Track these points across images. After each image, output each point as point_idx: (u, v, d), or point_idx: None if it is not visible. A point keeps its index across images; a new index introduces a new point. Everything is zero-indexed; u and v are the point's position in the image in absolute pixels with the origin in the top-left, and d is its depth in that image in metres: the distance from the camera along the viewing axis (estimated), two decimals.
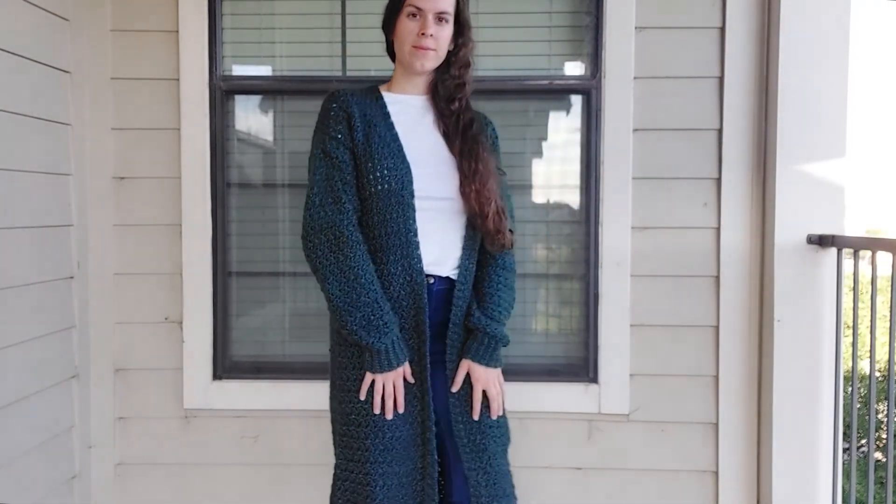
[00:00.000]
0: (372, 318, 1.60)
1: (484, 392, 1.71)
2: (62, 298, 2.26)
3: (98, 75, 2.35)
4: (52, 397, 2.21)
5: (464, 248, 1.71)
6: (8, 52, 1.99)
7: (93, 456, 2.41)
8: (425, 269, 1.66)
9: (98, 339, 2.39)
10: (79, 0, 2.30)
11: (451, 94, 1.72)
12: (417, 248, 1.64)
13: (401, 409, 1.64)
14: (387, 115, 1.70)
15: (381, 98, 1.73)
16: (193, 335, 2.40)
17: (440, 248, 1.68)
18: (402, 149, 1.66)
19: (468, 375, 1.71)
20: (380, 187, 1.62)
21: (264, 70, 2.51)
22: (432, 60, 1.68)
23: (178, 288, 2.39)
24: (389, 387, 1.63)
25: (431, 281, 1.68)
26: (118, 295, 2.40)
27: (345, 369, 1.69)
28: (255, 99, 2.48)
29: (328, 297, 1.62)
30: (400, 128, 1.69)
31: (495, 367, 1.72)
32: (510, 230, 1.74)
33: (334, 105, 1.68)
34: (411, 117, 1.73)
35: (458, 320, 1.71)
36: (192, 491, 2.44)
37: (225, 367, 2.44)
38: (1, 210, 1.97)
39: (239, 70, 2.47)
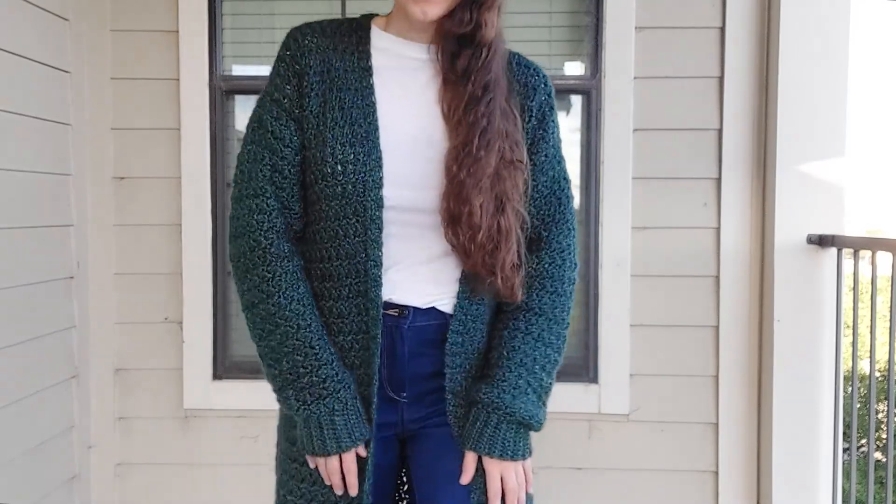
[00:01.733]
0: (302, 370, 1.10)
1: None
2: (62, 298, 2.26)
3: (98, 75, 2.35)
4: (52, 397, 2.21)
5: (463, 284, 1.17)
6: (8, 52, 1.99)
7: (93, 456, 2.41)
8: (392, 297, 1.14)
9: (98, 339, 2.39)
10: (79, 0, 2.30)
11: (455, 46, 1.11)
12: (378, 285, 1.11)
13: (353, 491, 1.14)
14: (366, 71, 1.14)
15: (368, 40, 1.16)
16: (193, 335, 2.40)
17: (421, 283, 1.16)
18: (375, 130, 1.11)
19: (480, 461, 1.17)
20: (329, 188, 1.10)
21: (264, 70, 2.50)
22: (438, 6, 1.07)
23: (178, 288, 2.39)
24: (333, 465, 1.13)
25: (403, 314, 1.15)
26: (118, 295, 2.40)
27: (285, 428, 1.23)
28: (256, 99, 2.48)
29: (253, 338, 1.16)
30: (384, 92, 1.13)
31: (514, 458, 1.15)
32: (563, 254, 1.21)
33: (287, 53, 1.17)
34: (405, 77, 1.15)
35: (458, 376, 1.17)
36: (192, 491, 2.44)
37: (225, 367, 2.44)
38: (1, 210, 1.97)
39: (239, 70, 2.47)
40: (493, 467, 1.14)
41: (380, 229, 1.10)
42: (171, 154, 2.37)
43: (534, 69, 1.22)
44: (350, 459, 1.13)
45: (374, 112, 1.11)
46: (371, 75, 1.14)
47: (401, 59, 1.16)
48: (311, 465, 1.15)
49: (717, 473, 2.39)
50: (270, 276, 1.11)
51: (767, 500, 2.31)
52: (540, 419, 1.17)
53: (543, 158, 1.20)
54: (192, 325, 2.39)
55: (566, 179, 1.24)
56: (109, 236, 2.38)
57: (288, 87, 1.14)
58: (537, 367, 1.17)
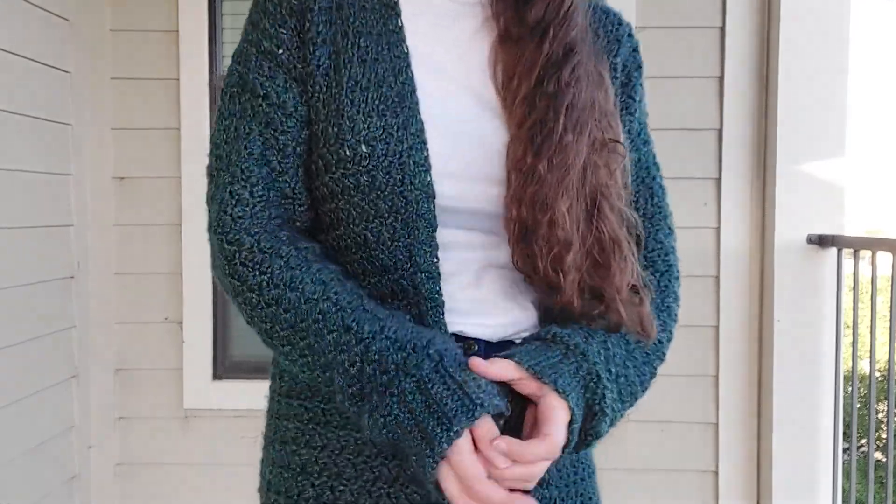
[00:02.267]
0: (353, 369, 0.70)
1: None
2: (62, 298, 2.26)
3: (98, 75, 2.35)
4: (52, 397, 2.21)
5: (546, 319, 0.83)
6: (8, 52, 1.99)
7: (93, 456, 2.41)
8: (454, 326, 0.79)
9: (98, 339, 2.39)
10: (79, 0, 2.30)
11: None
12: (437, 305, 0.77)
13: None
14: (390, 9, 0.80)
15: None
16: (193, 335, 2.40)
17: (489, 300, 0.81)
18: (411, 91, 0.77)
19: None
20: (351, 178, 0.76)
21: None
22: None
23: (178, 288, 2.38)
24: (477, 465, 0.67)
25: (468, 352, 0.77)
26: (118, 295, 2.40)
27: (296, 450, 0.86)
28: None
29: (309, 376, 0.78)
30: (415, 43, 0.80)
31: (570, 430, 0.73)
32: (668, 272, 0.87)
33: None
34: (439, 24, 0.82)
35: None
36: (192, 491, 2.44)
37: (225, 367, 2.44)
38: (1, 210, 1.97)
39: None
40: (560, 411, 0.72)
41: (432, 227, 0.75)
42: (171, 154, 2.37)
43: (616, 16, 0.90)
44: (485, 430, 0.68)
45: (409, 66, 0.77)
46: (398, 15, 0.79)
47: (434, 6, 0.82)
48: (453, 487, 0.67)
49: (717, 473, 2.39)
50: (269, 278, 0.74)
51: (767, 500, 2.31)
52: (604, 424, 0.81)
53: (626, 136, 0.87)
54: (192, 324, 2.39)
55: (657, 165, 0.93)
56: (109, 236, 2.38)
57: (283, 31, 0.78)
58: (627, 382, 0.85)
